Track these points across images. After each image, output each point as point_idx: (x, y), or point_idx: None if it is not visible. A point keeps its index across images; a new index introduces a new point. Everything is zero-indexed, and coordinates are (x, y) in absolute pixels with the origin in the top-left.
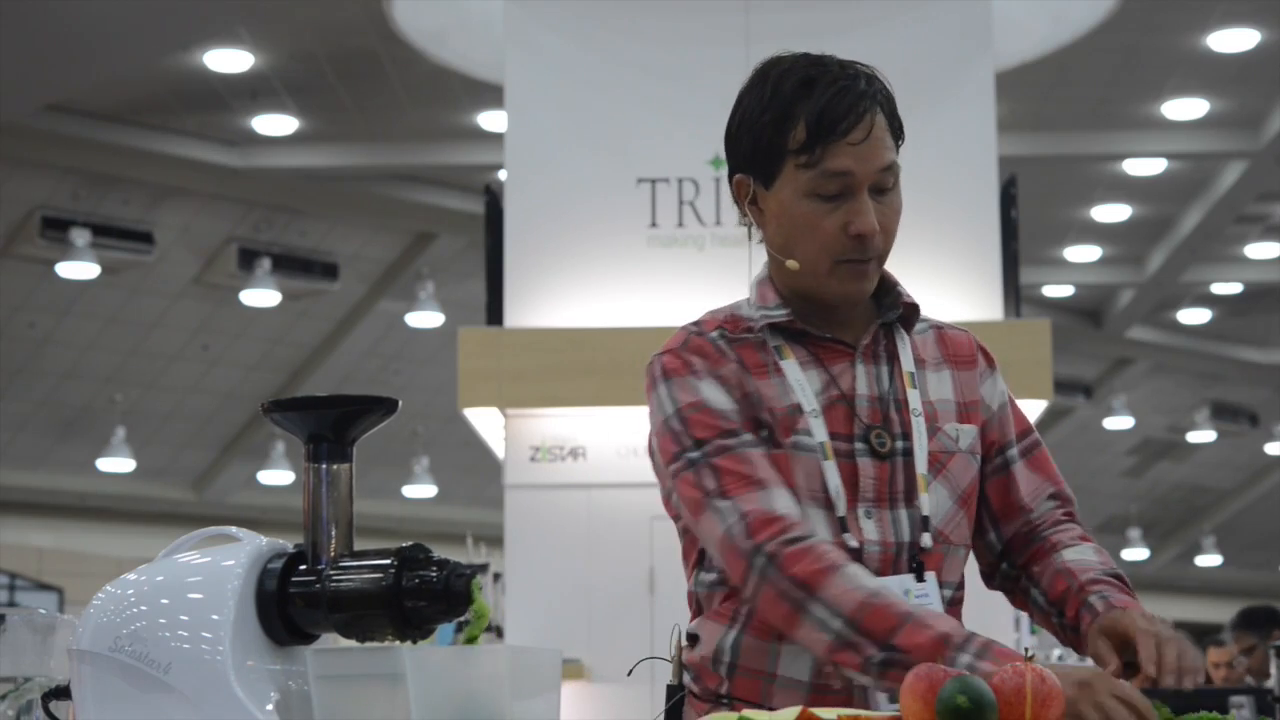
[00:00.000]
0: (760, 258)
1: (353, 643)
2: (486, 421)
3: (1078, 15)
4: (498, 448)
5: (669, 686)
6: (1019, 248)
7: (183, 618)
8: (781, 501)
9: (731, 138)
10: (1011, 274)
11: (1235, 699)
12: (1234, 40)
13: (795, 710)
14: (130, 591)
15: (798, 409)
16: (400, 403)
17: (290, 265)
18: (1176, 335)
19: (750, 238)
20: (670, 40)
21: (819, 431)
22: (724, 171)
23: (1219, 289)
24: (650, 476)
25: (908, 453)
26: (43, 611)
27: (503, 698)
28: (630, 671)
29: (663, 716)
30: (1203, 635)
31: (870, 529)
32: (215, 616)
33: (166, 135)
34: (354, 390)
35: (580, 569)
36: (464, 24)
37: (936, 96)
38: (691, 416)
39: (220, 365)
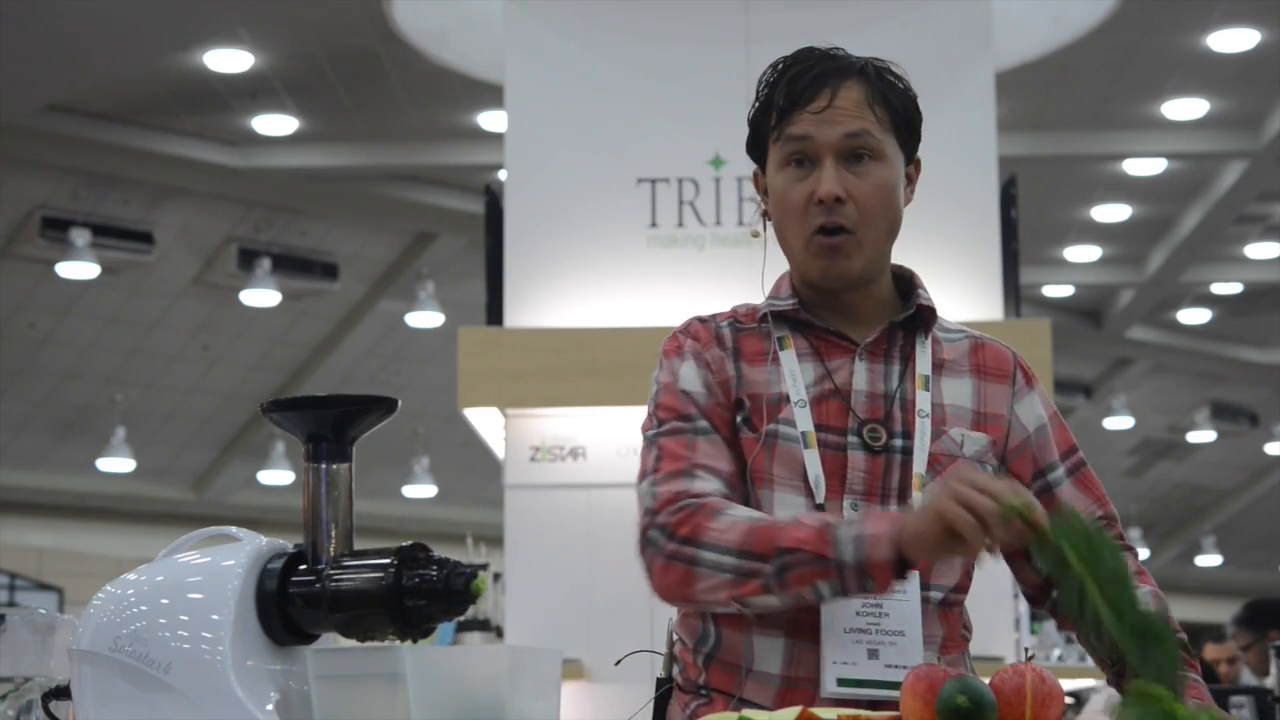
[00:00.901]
0: (772, 257)
1: (353, 643)
2: (486, 421)
3: (1078, 15)
4: (498, 448)
5: (658, 679)
6: (1019, 248)
7: (183, 618)
8: (701, 484)
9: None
10: (1011, 274)
11: (1235, 699)
12: (1234, 40)
13: (795, 710)
14: (130, 591)
15: (784, 398)
16: (400, 403)
17: (290, 265)
18: (1176, 335)
19: (762, 236)
20: (670, 40)
21: (803, 421)
22: (724, 171)
23: (1219, 289)
24: None
25: (907, 451)
26: (43, 611)
27: (503, 698)
28: (618, 662)
29: (651, 707)
30: (1201, 635)
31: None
32: (215, 616)
33: (166, 135)
34: (354, 390)
35: (580, 569)
36: (464, 24)
37: (936, 96)
38: (662, 398)
39: (220, 365)
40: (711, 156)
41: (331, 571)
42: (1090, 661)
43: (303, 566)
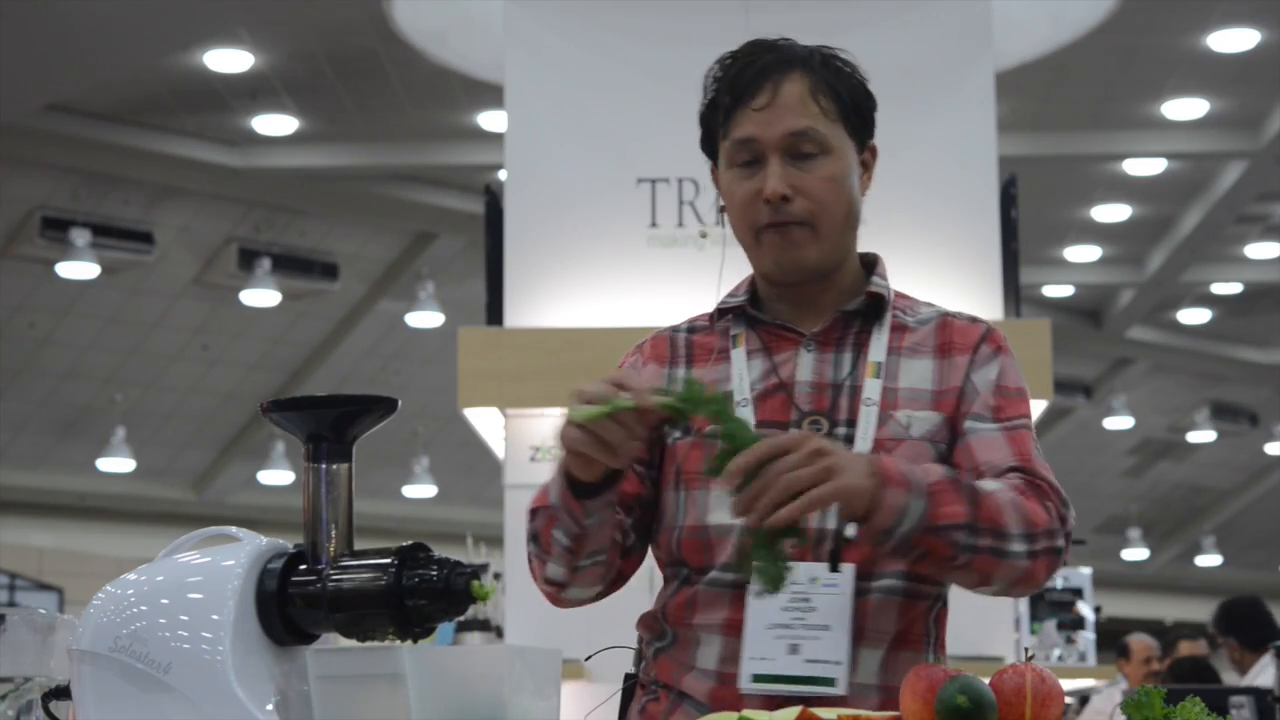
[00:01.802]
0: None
1: (353, 643)
2: (486, 421)
3: (1078, 15)
4: (498, 448)
5: (626, 674)
6: (1019, 248)
7: (183, 618)
8: None
9: None
10: (1011, 274)
11: (1235, 699)
12: (1234, 40)
13: (795, 710)
14: (130, 591)
15: (729, 397)
16: (400, 403)
17: (290, 265)
18: (1176, 335)
19: (709, 236)
20: (670, 40)
21: (745, 419)
22: None
23: (1219, 289)
24: None
25: (850, 440)
26: (43, 611)
27: (503, 698)
28: (589, 658)
29: (617, 701)
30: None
31: None
32: (215, 616)
33: (166, 135)
34: (354, 390)
35: None
36: (464, 24)
37: (936, 96)
38: None
39: (220, 365)
40: None
41: (331, 571)
42: (1090, 661)
43: (303, 566)
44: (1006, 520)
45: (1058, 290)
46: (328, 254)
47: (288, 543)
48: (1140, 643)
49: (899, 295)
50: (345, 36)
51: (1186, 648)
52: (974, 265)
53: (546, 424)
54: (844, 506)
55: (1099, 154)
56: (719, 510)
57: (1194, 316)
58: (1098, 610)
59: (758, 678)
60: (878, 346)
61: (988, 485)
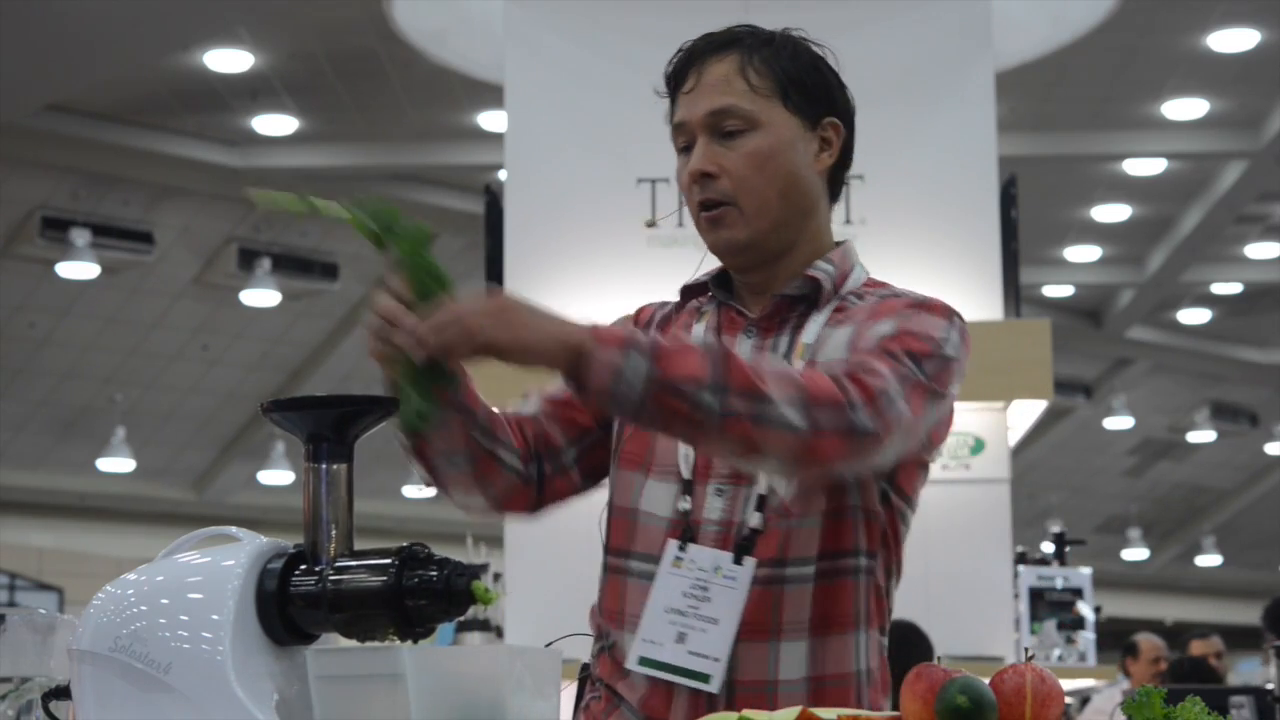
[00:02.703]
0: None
1: (353, 643)
2: None
3: (1078, 15)
4: None
5: (582, 665)
6: (1019, 248)
7: (183, 618)
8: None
9: None
10: (1011, 274)
11: (1235, 699)
12: (1234, 40)
13: (795, 710)
14: (130, 591)
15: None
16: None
17: (290, 265)
18: (1176, 335)
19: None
20: (670, 40)
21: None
22: None
23: (1219, 289)
24: None
25: None
26: (43, 611)
27: (503, 698)
28: (549, 644)
29: (572, 692)
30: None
31: (716, 507)
32: (215, 616)
33: (166, 135)
34: (354, 390)
35: (580, 569)
36: (464, 24)
37: (936, 96)
38: None
39: (220, 365)
40: None
41: (331, 572)
42: (1090, 661)
43: (303, 566)
44: (767, 386)
45: (1058, 290)
46: (328, 254)
47: (288, 543)
48: (1149, 642)
49: (873, 282)
50: (345, 36)
51: (1199, 647)
52: (974, 265)
53: None
54: (537, 363)
55: (1099, 154)
56: (651, 498)
57: (1194, 316)
58: (1098, 610)
59: (644, 660)
60: (812, 329)
61: (754, 357)
